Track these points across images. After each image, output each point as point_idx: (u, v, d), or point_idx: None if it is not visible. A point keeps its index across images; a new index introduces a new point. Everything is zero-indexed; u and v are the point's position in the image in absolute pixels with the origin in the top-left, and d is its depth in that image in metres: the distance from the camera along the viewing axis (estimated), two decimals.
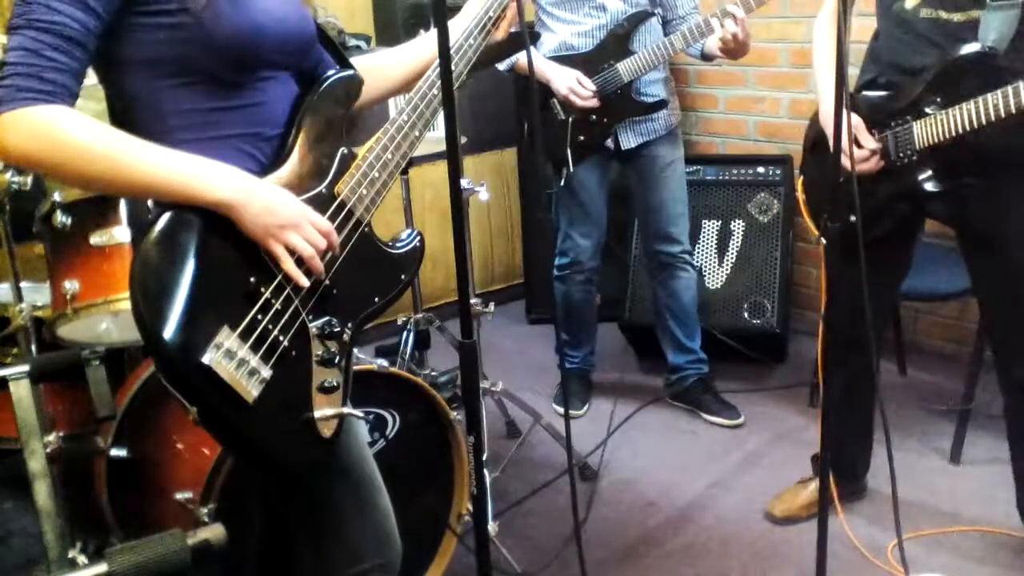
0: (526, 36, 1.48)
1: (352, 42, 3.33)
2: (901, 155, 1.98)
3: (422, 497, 2.11)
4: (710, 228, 3.48)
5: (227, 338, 1.14)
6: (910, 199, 2.03)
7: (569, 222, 3.01)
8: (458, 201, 1.27)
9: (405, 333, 2.74)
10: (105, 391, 1.60)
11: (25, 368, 1.56)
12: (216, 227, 1.17)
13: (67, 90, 1.13)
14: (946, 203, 2.05)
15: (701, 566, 2.32)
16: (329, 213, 1.31)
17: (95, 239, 2.07)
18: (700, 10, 2.82)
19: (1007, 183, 1.96)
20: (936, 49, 1.91)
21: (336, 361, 1.28)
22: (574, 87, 2.71)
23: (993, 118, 1.79)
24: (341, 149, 1.35)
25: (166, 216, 1.15)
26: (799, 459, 2.63)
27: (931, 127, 1.91)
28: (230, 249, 1.19)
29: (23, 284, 2.18)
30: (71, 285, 2.03)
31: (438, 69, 1.41)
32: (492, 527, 2.29)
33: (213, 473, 1.75)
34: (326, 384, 1.26)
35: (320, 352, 1.26)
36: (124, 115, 1.23)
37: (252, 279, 1.20)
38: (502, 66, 2.85)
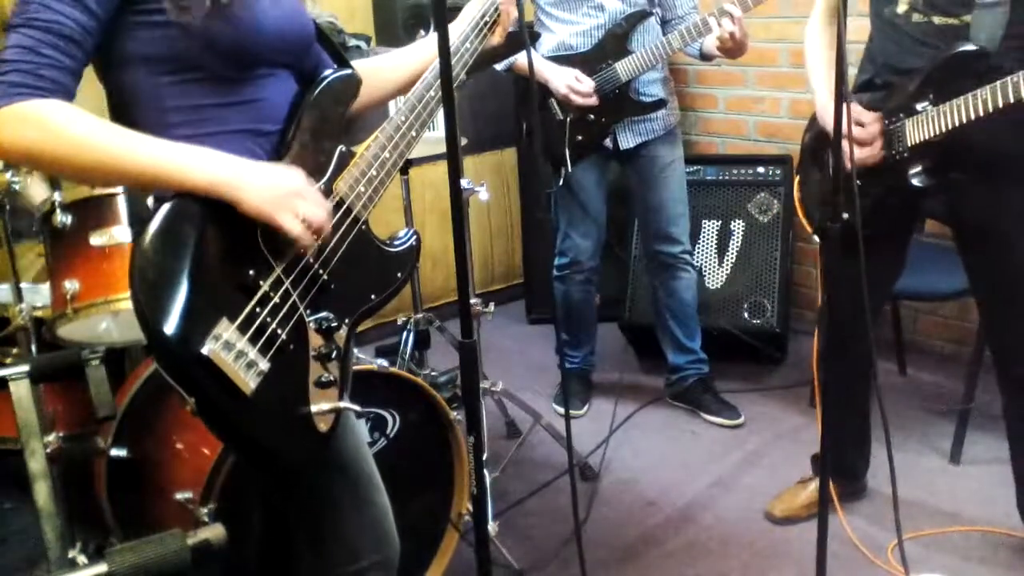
0: (526, 36, 1.49)
1: (352, 42, 3.32)
2: (893, 152, 1.99)
3: (422, 497, 2.11)
4: (710, 228, 3.48)
5: (226, 329, 1.15)
6: (901, 196, 2.04)
7: (568, 222, 3.01)
8: (458, 201, 1.27)
9: (405, 333, 2.74)
10: (105, 391, 1.60)
11: (25, 368, 1.56)
12: (215, 219, 1.18)
13: (63, 87, 1.13)
14: (941, 200, 2.06)
15: (701, 566, 2.32)
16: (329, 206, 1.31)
17: (95, 239, 2.07)
18: (699, 10, 2.82)
19: (1001, 180, 1.96)
20: (930, 50, 1.92)
21: (333, 356, 1.28)
22: (573, 85, 2.71)
23: (982, 113, 1.80)
24: (339, 147, 1.36)
25: (165, 208, 1.16)
26: (799, 459, 2.63)
27: (923, 123, 1.92)
28: (229, 241, 1.19)
29: (23, 284, 2.18)
30: (71, 285, 2.03)
31: (435, 71, 1.43)
32: (492, 527, 2.29)
33: (213, 473, 1.75)
34: (323, 379, 1.27)
35: (317, 347, 1.27)
36: (123, 111, 1.24)
37: (251, 272, 1.20)
38: (500, 66, 2.85)
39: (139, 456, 1.99)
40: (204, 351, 1.12)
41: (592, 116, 2.79)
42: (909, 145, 1.96)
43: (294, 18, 1.32)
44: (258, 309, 1.20)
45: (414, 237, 1.47)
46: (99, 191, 2.06)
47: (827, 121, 2.10)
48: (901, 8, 1.96)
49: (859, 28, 2.28)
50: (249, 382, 1.16)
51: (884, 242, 2.09)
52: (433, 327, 2.78)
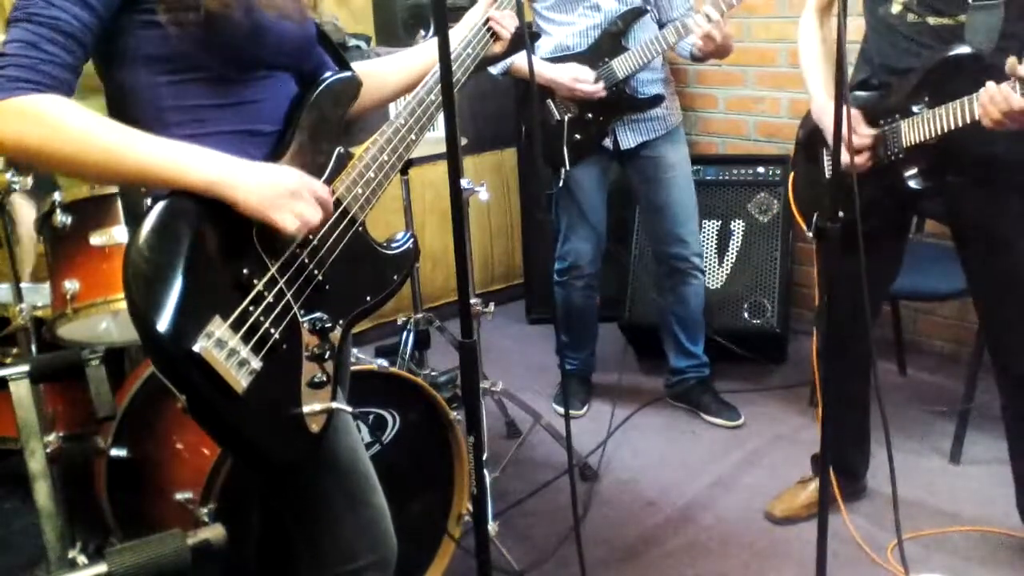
0: (526, 36, 1.49)
1: (352, 42, 3.33)
2: (889, 153, 1.99)
3: (422, 497, 2.11)
4: (710, 228, 3.48)
5: (218, 327, 1.15)
6: (896, 197, 2.04)
7: (568, 225, 3.01)
8: (458, 201, 1.27)
9: (405, 333, 2.74)
10: (105, 391, 1.60)
11: (25, 368, 1.56)
12: (210, 217, 1.18)
13: (63, 83, 1.13)
14: (938, 201, 2.06)
15: (701, 566, 2.32)
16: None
17: (95, 239, 2.07)
18: (694, 11, 2.81)
19: (997, 183, 1.96)
20: (925, 50, 1.92)
21: (327, 357, 1.28)
22: (577, 76, 2.71)
23: (977, 118, 1.80)
24: (338, 149, 1.36)
25: (160, 205, 1.16)
26: (799, 459, 2.63)
27: (918, 126, 1.92)
28: (224, 240, 1.19)
29: (23, 284, 2.18)
30: (71, 285, 2.03)
31: (436, 75, 1.43)
32: (492, 527, 2.29)
33: (213, 473, 1.75)
34: (316, 379, 1.27)
35: (311, 347, 1.27)
36: (122, 110, 1.24)
37: (245, 270, 1.20)
38: (495, 70, 2.85)
39: (139, 456, 1.99)
40: (196, 348, 1.11)
41: (590, 115, 2.78)
42: (904, 146, 1.96)
43: (295, 18, 1.32)
44: (251, 308, 1.19)
45: (411, 240, 1.47)
46: (99, 191, 2.06)
47: (824, 122, 2.10)
48: (895, 8, 1.96)
49: (856, 28, 2.28)
50: (241, 380, 1.16)
51: (880, 241, 2.10)
52: (433, 327, 2.78)
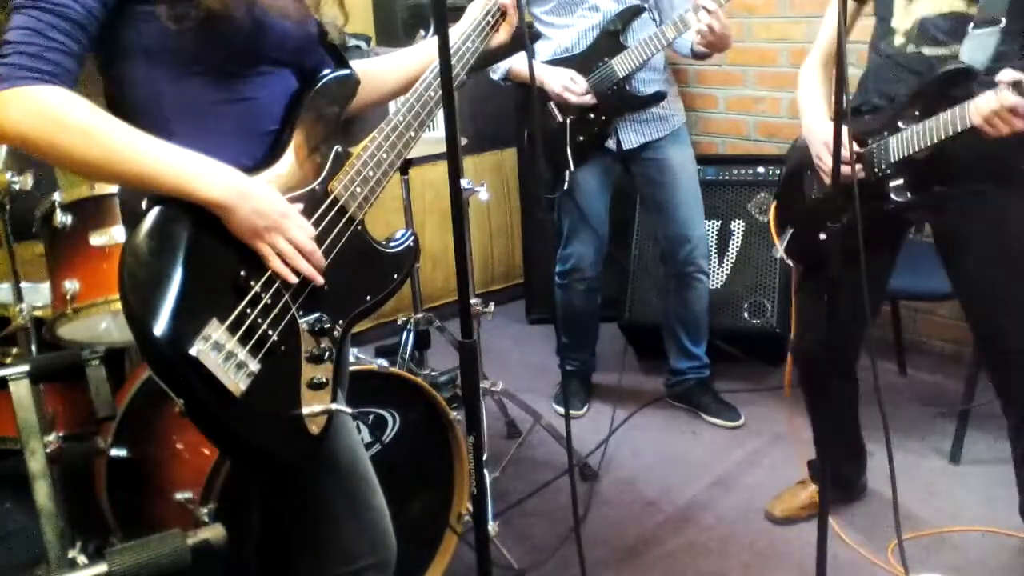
0: (526, 37, 1.49)
1: (352, 42, 3.32)
2: (876, 170, 1.99)
3: (422, 497, 2.11)
4: (710, 228, 3.47)
5: (215, 330, 1.14)
6: (882, 214, 2.02)
7: (571, 228, 3.00)
8: (458, 201, 1.27)
9: (405, 333, 2.74)
10: (105, 391, 1.60)
11: (25, 368, 1.56)
12: (207, 220, 1.18)
13: (68, 72, 1.12)
14: (922, 211, 2.07)
15: (701, 566, 2.32)
16: (322, 210, 1.31)
17: (95, 239, 2.07)
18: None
19: (987, 193, 1.96)
20: (917, 77, 1.94)
21: (326, 358, 1.27)
22: (567, 84, 2.71)
23: (968, 124, 1.79)
24: (336, 147, 1.35)
25: (157, 208, 1.15)
26: (799, 459, 2.63)
27: (906, 139, 1.92)
28: (220, 242, 1.19)
29: (23, 284, 2.18)
30: (71, 285, 2.03)
31: (435, 71, 1.42)
32: (492, 527, 2.29)
33: (213, 473, 1.75)
34: (315, 380, 1.26)
35: (310, 348, 1.26)
36: (121, 103, 1.23)
37: (242, 272, 1.20)
38: (496, 75, 2.86)
39: (139, 456, 1.99)
40: (192, 352, 1.11)
41: (592, 115, 2.78)
42: (892, 161, 1.96)
43: (296, 15, 1.31)
44: (248, 310, 1.19)
45: (411, 238, 1.46)
46: (99, 191, 2.06)
47: (814, 140, 2.10)
48: (898, 41, 1.99)
49: (859, 54, 2.30)
50: (238, 383, 1.15)
51: (869, 258, 2.09)
52: (433, 327, 2.78)
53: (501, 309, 3.23)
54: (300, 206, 1.27)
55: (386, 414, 2.03)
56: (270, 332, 1.21)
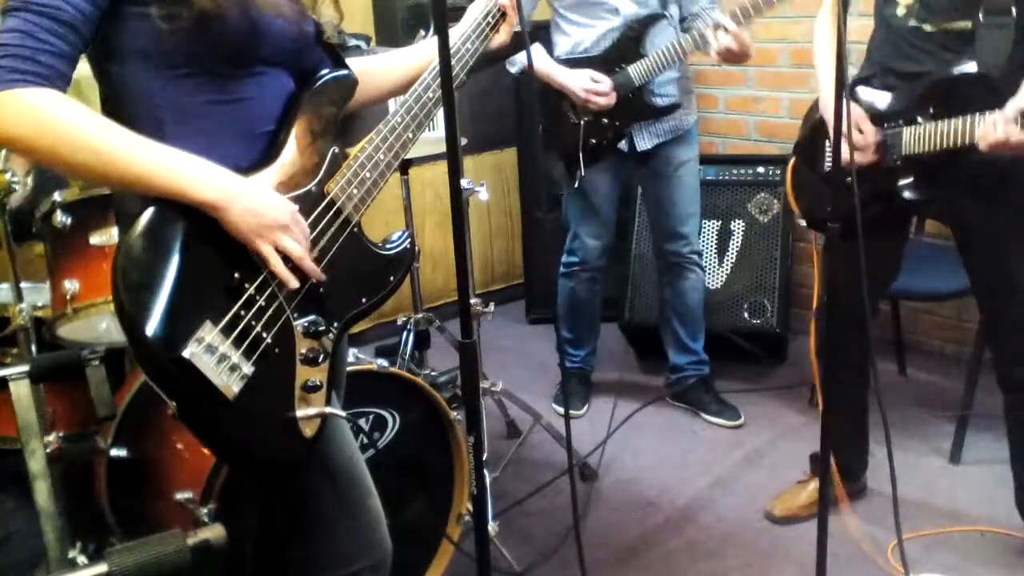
0: (526, 37, 1.48)
1: (352, 42, 3.32)
2: (888, 158, 1.99)
3: (422, 497, 2.11)
4: (710, 228, 3.48)
5: (208, 332, 1.14)
6: (890, 201, 2.03)
7: (579, 223, 3.01)
8: (458, 201, 1.26)
9: (405, 333, 2.74)
10: (105, 391, 1.60)
11: (25, 368, 1.56)
12: (202, 222, 1.17)
13: (60, 74, 1.12)
14: (937, 205, 2.07)
15: (701, 566, 2.32)
16: (317, 212, 1.30)
17: (95, 239, 2.07)
18: (716, 3, 2.80)
19: (994, 197, 1.96)
20: (926, 56, 1.93)
21: (321, 360, 1.27)
22: (590, 87, 2.70)
23: (974, 142, 1.80)
24: (332, 148, 1.35)
25: (151, 210, 1.15)
26: (799, 459, 2.63)
27: (919, 137, 1.92)
28: (215, 244, 1.19)
29: (23, 284, 2.18)
30: (71, 285, 2.03)
31: (433, 72, 1.42)
32: (492, 527, 2.29)
33: (213, 473, 1.75)
34: (310, 383, 1.26)
35: (305, 350, 1.26)
36: (115, 105, 1.23)
37: (236, 274, 1.19)
38: (513, 68, 2.87)
39: (139, 456, 1.99)
40: (185, 354, 1.10)
41: (606, 119, 2.78)
42: (903, 154, 1.96)
43: (292, 15, 1.31)
44: (243, 312, 1.18)
45: (408, 240, 1.45)
46: (99, 191, 2.06)
47: (829, 115, 2.10)
48: (900, 11, 1.97)
49: (861, 28, 2.28)
50: (232, 386, 1.15)
51: (878, 241, 2.10)
52: (433, 327, 2.78)
53: (501, 309, 3.23)
54: (296, 207, 1.26)
55: (386, 414, 2.03)
56: (264, 334, 1.20)
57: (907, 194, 1.97)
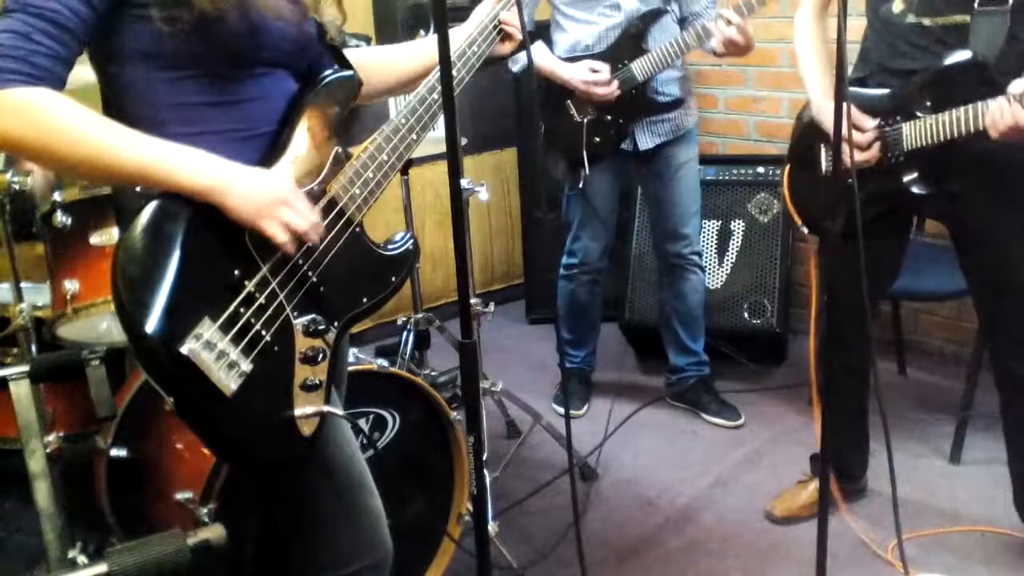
0: (526, 37, 1.48)
1: (352, 42, 3.32)
2: (890, 155, 1.99)
3: (422, 497, 2.11)
4: (710, 228, 3.47)
5: (207, 329, 1.14)
6: (895, 199, 2.03)
7: (580, 223, 3.01)
8: (458, 201, 1.26)
9: (405, 333, 2.74)
10: (105, 391, 1.60)
11: (25, 368, 1.56)
12: (202, 218, 1.17)
13: (54, 76, 1.12)
14: (936, 202, 2.06)
15: (701, 566, 2.32)
16: (319, 211, 1.30)
17: (95, 239, 2.08)
18: (716, 3, 2.79)
19: (997, 191, 1.96)
20: (922, 52, 1.92)
21: (320, 359, 1.27)
22: (588, 78, 2.70)
23: (981, 127, 1.79)
24: (336, 148, 1.35)
25: (151, 206, 1.15)
26: (799, 459, 2.63)
27: (920, 130, 1.91)
28: (215, 240, 1.19)
29: (23, 284, 2.18)
30: (71, 285, 2.03)
31: (438, 74, 1.42)
32: (492, 527, 2.29)
33: (213, 473, 1.75)
34: (309, 382, 1.25)
35: (304, 349, 1.26)
36: (117, 106, 1.23)
37: (236, 271, 1.19)
38: (515, 67, 2.86)
39: (139, 456, 1.99)
40: (183, 350, 1.10)
41: (609, 117, 2.78)
42: (906, 150, 1.96)
43: (294, 15, 1.31)
44: (242, 309, 1.18)
45: (411, 241, 1.45)
46: (99, 191, 2.06)
47: (823, 121, 2.10)
48: (896, 7, 1.96)
49: (855, 28, 2.28)
50: (230, 383, 1.15)
51: (879, 240, 2.10)
52: (433, 327, 2.78)
53: (501, 309, 3.24)
54: (293, 181, 1.26)
55: (386, 414, 2.03)
56: (263, 332, 1.20)
57: (915, 188, 1.97)
